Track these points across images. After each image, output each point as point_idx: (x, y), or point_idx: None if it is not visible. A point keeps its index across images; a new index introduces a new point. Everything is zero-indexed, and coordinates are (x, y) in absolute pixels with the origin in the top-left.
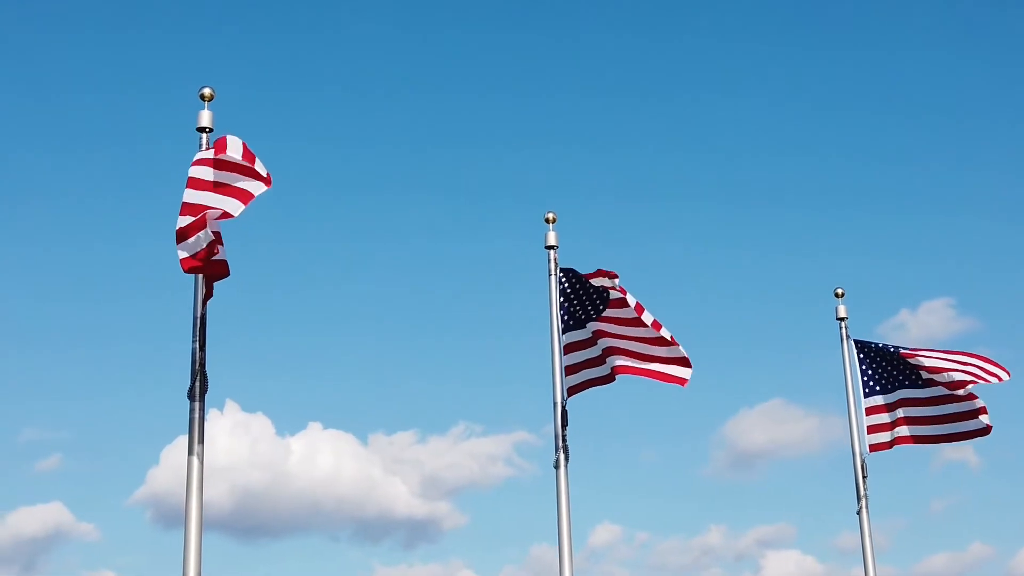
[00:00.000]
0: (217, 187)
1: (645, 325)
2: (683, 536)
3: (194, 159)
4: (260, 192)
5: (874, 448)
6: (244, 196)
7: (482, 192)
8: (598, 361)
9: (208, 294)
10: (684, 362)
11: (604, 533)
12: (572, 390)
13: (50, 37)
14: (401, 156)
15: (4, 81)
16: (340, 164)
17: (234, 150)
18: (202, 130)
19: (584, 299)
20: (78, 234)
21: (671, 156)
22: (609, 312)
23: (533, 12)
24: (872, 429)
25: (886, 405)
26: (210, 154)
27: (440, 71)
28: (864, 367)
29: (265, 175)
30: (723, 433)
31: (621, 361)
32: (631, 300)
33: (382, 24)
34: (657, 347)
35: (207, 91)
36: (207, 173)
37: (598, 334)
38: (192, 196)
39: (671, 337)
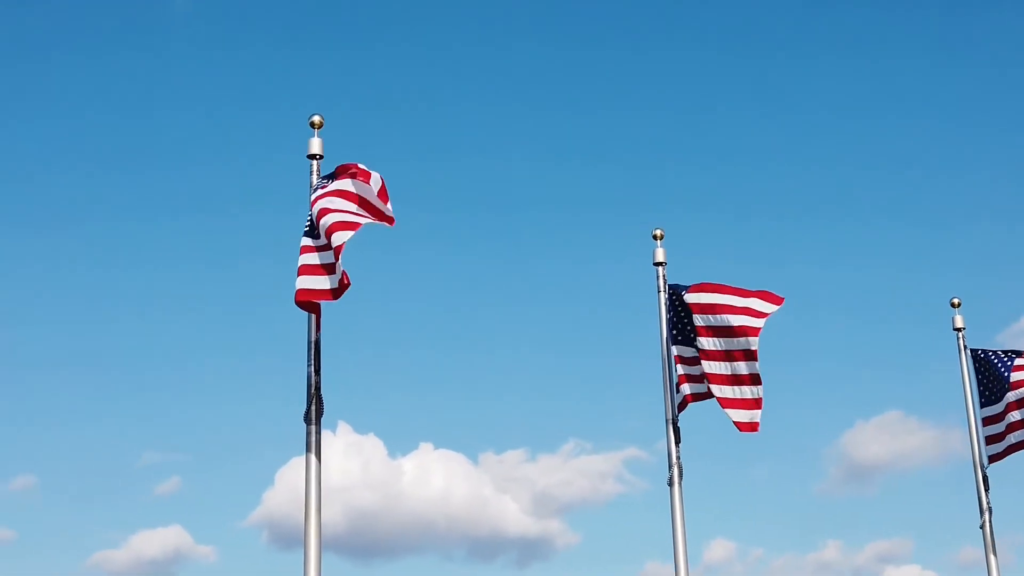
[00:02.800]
0: (342, 221)
1: (740, 358)
2: (798, 552)
3: (318, 192)
4: (368, 222)
5: (992, 459)
6: (354, 225)
7: (590, 209)
8: (700, 379)
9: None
10: (757, 404)
11: (718, 550)
12: (680, 406)
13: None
14: (508, 174)
15: (114, 107)
16: (446, 184)
17: (374, 184)
18: (312, 157)
19: (684, 319)
20: (193, 257)
21: (780, 170)
22: (709, 337)
23: (636, 29)
24: (990, 440)
25: (998, 414)
26: (337, 184)
27: (546, 89)
28: (980, 376)
29: (389, 216)
30: (839, 446)
31: (711, 388)
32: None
33: (482, 44)
34: (742, 385)
35: (317, 118)
36: (334, 203)
37: (702, 354)
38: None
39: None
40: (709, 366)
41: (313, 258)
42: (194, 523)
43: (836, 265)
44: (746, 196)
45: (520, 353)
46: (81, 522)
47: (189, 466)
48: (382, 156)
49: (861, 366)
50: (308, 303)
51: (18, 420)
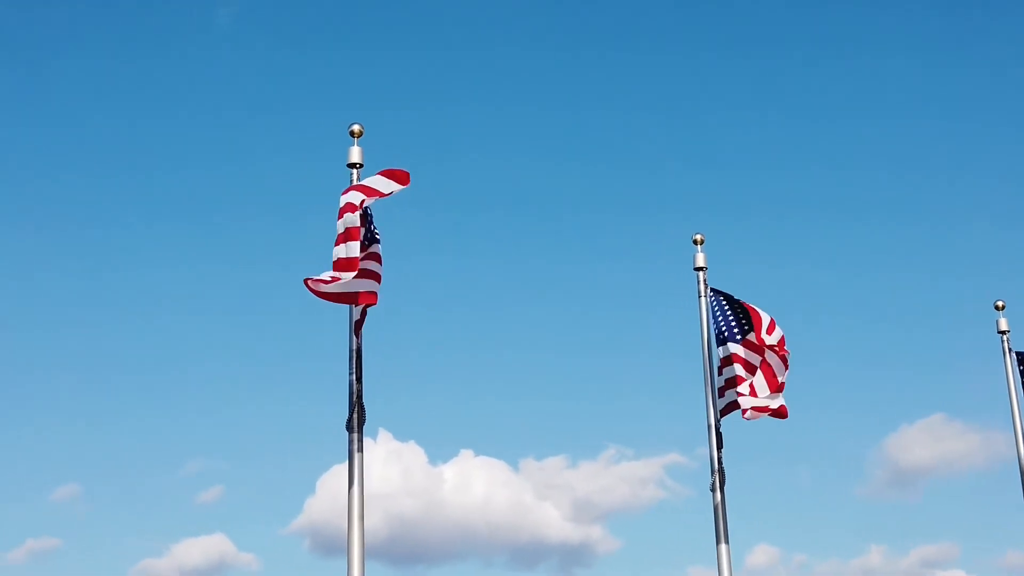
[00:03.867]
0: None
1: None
2: (842, 557)
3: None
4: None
5: None
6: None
7: (630, 213)
8: (733, 383)
9: (360, 322)
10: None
11: (761, 555)
12: (723, 411)
13: (206, 74)
14: (549, 178)
15: (159, 116)
16: (486, 188)
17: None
18: (352, 166)
19: (731, 318)
20: (235, 265)
21: (822, 173)
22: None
23: (679, 33)
24: None
25: None
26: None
27: (588, 92)
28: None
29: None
30: (882, 451)
31: (740, 399)
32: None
33: (523, 49)
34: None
35: (356, 127)
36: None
37: (734, 358)
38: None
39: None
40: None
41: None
42: (237, 531)
43: (878, 268)
44: (786, 200)
45: (560, 359)
46: (125, 531)
47: (231, 474)
48: (422, 161)
49: (904, 369)
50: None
51: (62, 429)
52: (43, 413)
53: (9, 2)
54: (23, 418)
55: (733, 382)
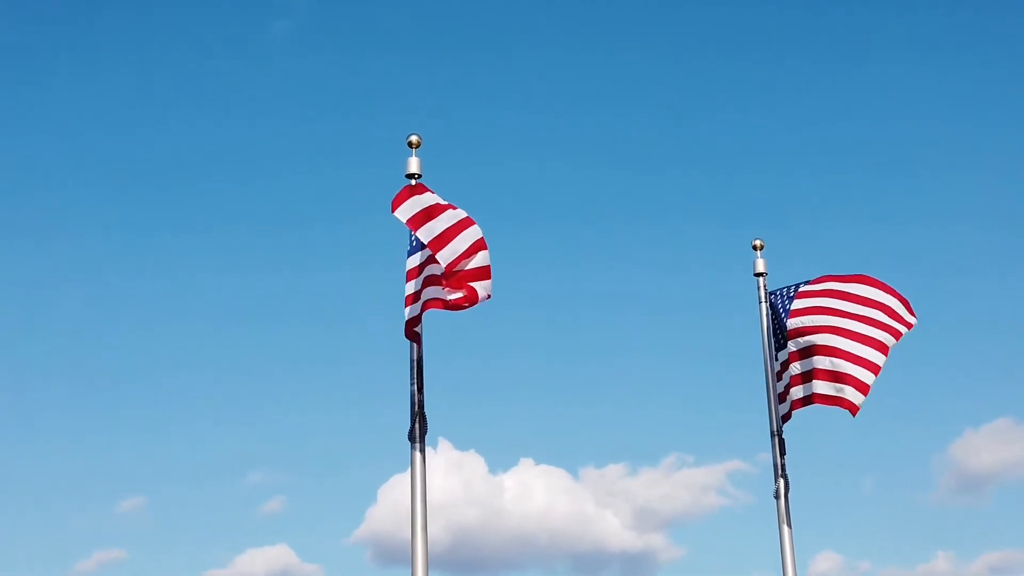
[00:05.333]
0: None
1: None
2: (907, 564)
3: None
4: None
5: None
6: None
7: (689, 219)
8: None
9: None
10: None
11: (825, 562)
12: (785, 417)
13: (263, 84)
14: (607, 184)
15: (217, 125)
16: (543, 194)
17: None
18: (411, 176)
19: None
20: (297, 274)
21: (885, 175)
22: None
23: (735, 37)
24: None
25: None
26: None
27: (645, 97)
28: None
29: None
30: (948, 456)
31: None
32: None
33: (578, 54)
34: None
35: (414, 138)
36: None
37: (792, 357)
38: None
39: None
40: (817, 361)
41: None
42: (299, 541)
43: (939, 271)
44: (848, 203)
45: (619, 366)
46: (189, 541)
47: (293, 485)
48: (481, 169)
49: (969, 374)
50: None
51: (127, 441)
52: (109, 426)
53: (65, 15)
54: (90, 431)
55: (791, 386)
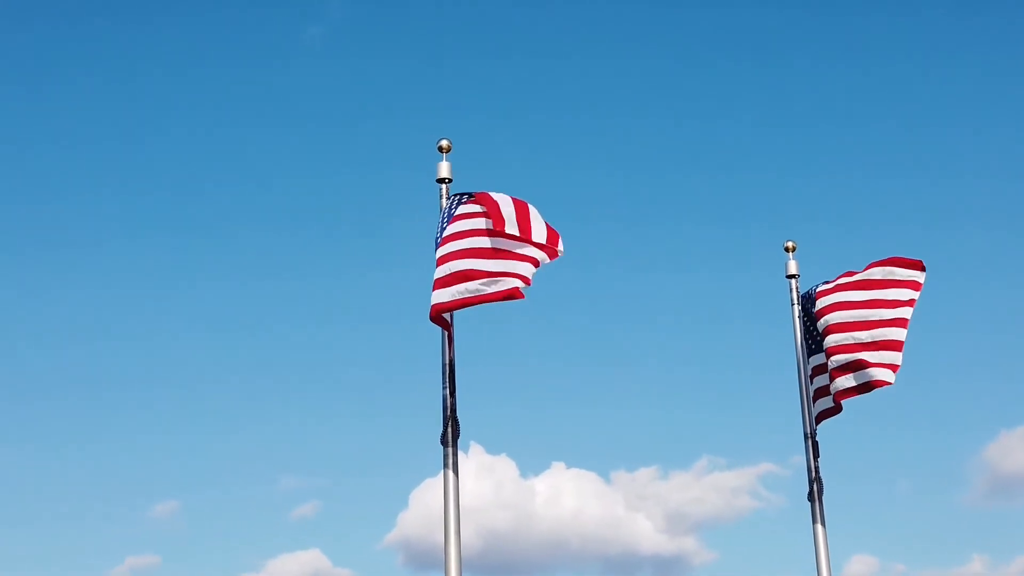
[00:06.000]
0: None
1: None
2: (943, 567)
3: (455, 213)
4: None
5: None
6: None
7: (720, 221)
8: (826, 390)
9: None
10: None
11: (859, 565)
12: (817, 418)
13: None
14: (637, 187)
15: (250, 127)
16: (574, 199)
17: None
18: (441, 181)
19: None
20: (328, 278)
21: (916, 175)
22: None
23: (775, 39)
24: None
25: None
26: (476, 208)
27: (676, 98)
28: None
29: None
30: (983, 458)
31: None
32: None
33: (608, 57)
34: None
35: (445, 143)
36: (477, 223)
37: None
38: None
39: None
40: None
41: (445, 270)
42: (332, 546)
43: (975, 272)
44: (881, 203)
45: (650, 369)
46: (222, 546)
47: (325, 489)
48: (513, 173)
49: (1003, 375)
50: (440, 318)
51: (160, 447)
52: (141, 430)
53: (101, 22)
54: (123, 437)
55: (825, 390)
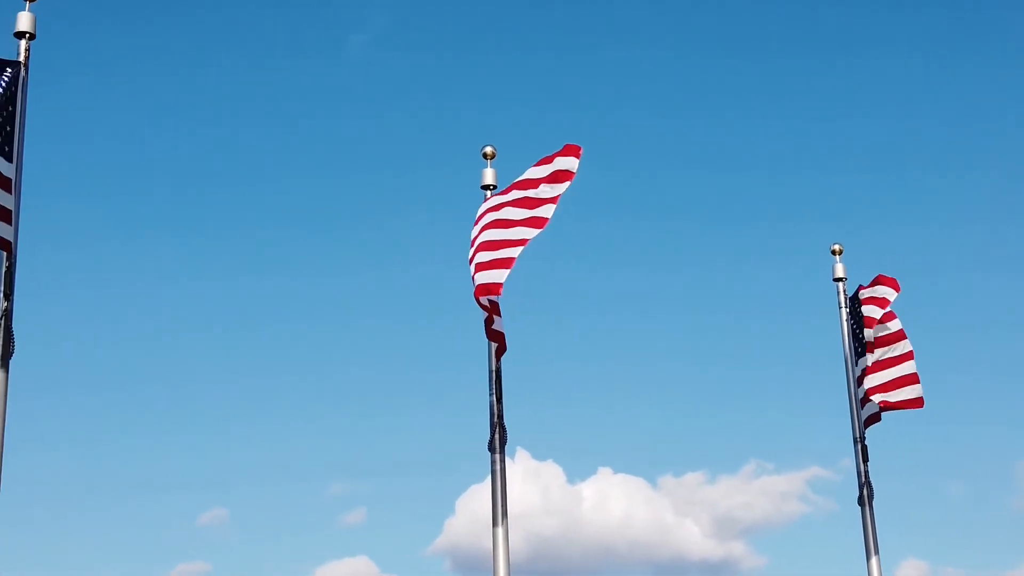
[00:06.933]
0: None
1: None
2: (995, 571)
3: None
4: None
5: None
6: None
7: (768, 223)
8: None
9: (501, 348)
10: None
11: (910, 570)
12: (866, 422)
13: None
14: (685, 187)
15: (294, 134)
16: (618, 198)
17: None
18: (486, 188)
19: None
20: (372, 287)
21: (966, 177)
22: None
23: (823, 38)
24: None
25: None
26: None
27: (722, 99)
28: None
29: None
30: None
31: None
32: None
33: (657, 55)
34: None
35: (489, 149)
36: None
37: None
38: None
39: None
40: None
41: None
42: (379, 552)
43: (1016, 275)
44: (929, 207)
45: (698, 373)
46: (271, 553)
47: (373, 496)
48: None
49: None
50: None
51: (211, 454)
52: (192, 438)
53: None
54: (173, 443)
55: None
